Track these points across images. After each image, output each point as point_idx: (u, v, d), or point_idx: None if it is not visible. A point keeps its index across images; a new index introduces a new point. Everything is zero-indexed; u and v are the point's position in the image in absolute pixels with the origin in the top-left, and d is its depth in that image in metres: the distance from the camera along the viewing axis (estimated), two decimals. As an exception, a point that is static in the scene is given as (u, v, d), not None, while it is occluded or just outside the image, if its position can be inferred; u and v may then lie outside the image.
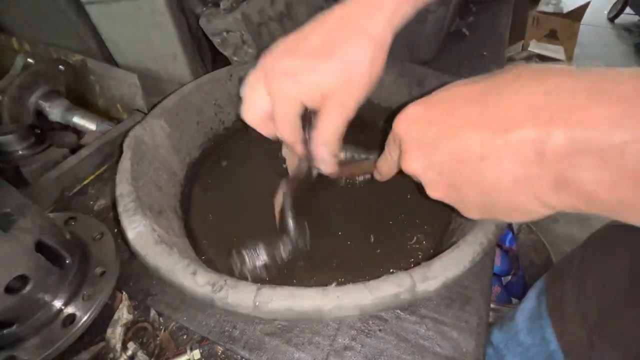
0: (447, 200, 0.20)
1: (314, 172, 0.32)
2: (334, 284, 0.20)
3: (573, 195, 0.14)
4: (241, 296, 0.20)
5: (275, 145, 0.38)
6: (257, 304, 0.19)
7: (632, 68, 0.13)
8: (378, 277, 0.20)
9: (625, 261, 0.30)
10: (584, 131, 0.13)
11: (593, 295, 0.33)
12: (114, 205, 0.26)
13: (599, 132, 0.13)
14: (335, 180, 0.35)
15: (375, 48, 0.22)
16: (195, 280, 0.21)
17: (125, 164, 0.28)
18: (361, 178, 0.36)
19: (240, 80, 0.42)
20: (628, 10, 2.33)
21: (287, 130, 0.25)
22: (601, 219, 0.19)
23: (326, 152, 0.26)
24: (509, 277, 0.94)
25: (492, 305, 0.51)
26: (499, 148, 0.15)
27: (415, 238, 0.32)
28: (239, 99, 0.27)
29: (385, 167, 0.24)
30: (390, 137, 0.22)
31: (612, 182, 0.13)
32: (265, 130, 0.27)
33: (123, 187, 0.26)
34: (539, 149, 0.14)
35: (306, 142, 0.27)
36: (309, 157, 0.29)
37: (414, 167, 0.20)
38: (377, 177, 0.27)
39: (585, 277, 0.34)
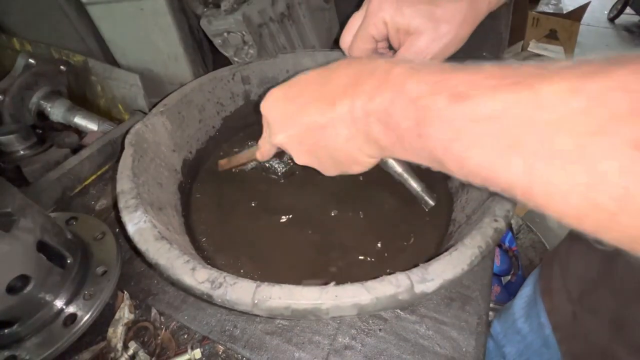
0: (311, 164, 0.25)
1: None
2: (332, 283, 0.21)
3: (374, 144, 0.20)
4: (240, 293, 0.20)
5: (281, 155, 0.39)
6: (255, 301, 0.20)
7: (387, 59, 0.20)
8: (376, 277, 0.20)
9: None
10: (365, 100, 0.19)
11: (576, 274, 0.36)
12: (115, 205, 0.26)
13: (373, 101, 0.18)
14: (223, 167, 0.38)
15: (469, 8, 0.26)
16: (195, 276, 0.21)
17: (126, 160, 0.28)
18: (251, 165, 0.39)
19: (243, 79, 0.42)
20: (628, 10, 2.33)
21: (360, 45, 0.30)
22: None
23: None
24: (509, 277, 0.94)
25: (491, 305, 0.51)
26: (331, 117, 0.20)
27: (413, 239, 0.32)
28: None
29: (263, 146, 0.28)
30: (263, 119, 0.26)
31: (382, 131, 0.19)
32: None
33: (124, 184, 0.27)
34: (352, 115, 0.20)
35: None
36: None
37: (279, 139, 0.24)
38: (258, 156, 0.30)
39: (569, 258, 0.37)
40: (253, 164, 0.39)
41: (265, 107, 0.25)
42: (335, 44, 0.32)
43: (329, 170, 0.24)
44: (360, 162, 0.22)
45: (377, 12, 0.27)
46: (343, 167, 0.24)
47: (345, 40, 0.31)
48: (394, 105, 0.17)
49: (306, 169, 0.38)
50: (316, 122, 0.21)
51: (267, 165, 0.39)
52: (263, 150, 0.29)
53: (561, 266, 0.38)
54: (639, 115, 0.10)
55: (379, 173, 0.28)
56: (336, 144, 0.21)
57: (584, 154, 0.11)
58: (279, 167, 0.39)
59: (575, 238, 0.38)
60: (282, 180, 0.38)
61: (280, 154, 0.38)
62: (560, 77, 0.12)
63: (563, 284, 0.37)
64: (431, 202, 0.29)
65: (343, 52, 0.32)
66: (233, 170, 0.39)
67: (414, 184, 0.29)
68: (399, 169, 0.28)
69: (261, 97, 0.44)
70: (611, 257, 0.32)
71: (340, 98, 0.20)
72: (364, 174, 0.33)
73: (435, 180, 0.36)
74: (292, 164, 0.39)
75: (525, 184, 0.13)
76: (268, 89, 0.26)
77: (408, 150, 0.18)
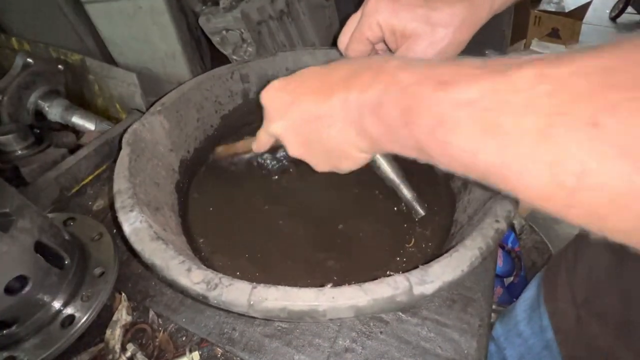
0: (303, 157, 0.24)
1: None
2: (329, 285, 0.20)
3: (366, 137, 0.20)
4: (236, 294, 0.20)
5: (275, 151, 0.39)
6: (251, 302, 0.19)
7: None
8: (375, 279, 0.20)
9: (609, 247, 0.33)
10: (359, 93, 0.19)
11: (582, 278, 0.36)
12: (112, 206, 0.26)
13: (366, 93, 0.19)
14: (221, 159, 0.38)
15: (468, 13, 0.25)
16: (190, 277, 0.21)
17: (123, 160, 0.28)
18: (247, 156, 0.39)
19: (242, 77, 0.41)
20: (630, 9, 2.32)
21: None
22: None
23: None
24: (511, 278, 0.94)
25: (494, 307, 0.51)
26: (326, 108, 0.21)
27: (413, 241, 0.32)
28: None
29: (261, 136, 0.28)
30: (263, 109, 0.26)
31: (373, 123, 0.19)
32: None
33: (121, 184, 0.26)
34: (345, 107, 0.20)
35: None
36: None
37: (275, 128, 0.24)
38: (254, 147, 0.30)
39: (577, 262, 0.37)
40: (249, 155, 0.39)
41: (264, 96, 0.25)
42: (335, 42, 0.32)
43: (321, 164, 0.24)
44: (351, 157, 0.22)
45: (372, 14, 0.27)
46: (334, 162, 0.23)
47: (342, 41, 0.31)
48: (385, 95, 0.18)
49: (299, 166, 0.38)
50: (312, 112, 0.21)
51: (260, 161, 0.39)
52: (260, 140, 0.29)
53: (568, 269, 0.38)
54: (596, 96, 0.11)
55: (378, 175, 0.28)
56: (329, 136, 0.21)
57: (549, 133, 0.12)
58: (272, 163, 0.39)
59: (583, 241, 0.38)
60: (275, 177, 0.38)
61: (274, 150, 0.38)
62: (530, 65, 0.13)
63: (569, 288, 0.36)
64: (421, 212, 0.29)
65: (340, 53, 0.32)
66: (229, 159, 0.39)
67: (406, 192, 0.29)
68: (391, 175, 0.28)
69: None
70: (620, 260, 0.31)
71: (336, 90, 0.20)
72: (364, 175, 0.33)
73: (438, 181, 0.36)
74: (284, 161, 0.39)
75: (498, 166, 0.14)
76: (269, 82, 0.26)
77: (396, 142, 0.19)
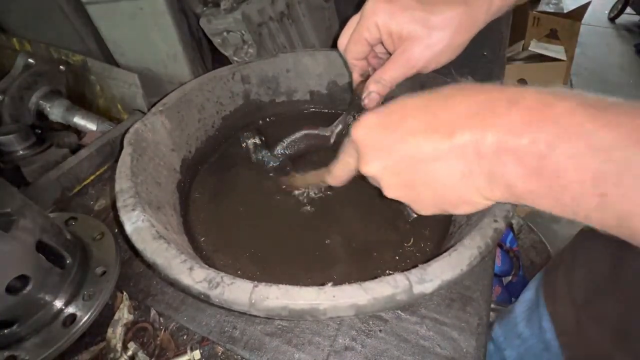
0: (403, 199, 0.22)
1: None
2: (330, 284, 0.20)
3: (501, 187, 0.17)
4: (237, 293, 0.20)
5: (273, 146, 0.39)
6: (253, 301, 0.19)
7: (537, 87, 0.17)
8: (375, 278, 0.20)
9: (609, 249, 0.33)
10: (504, 134, 0.16)
11: (581, 280, 0.35)
12: (114, 205, 0.26)
13: (518, 138, 0.16)
14: (291, 190, 0.37)
15: (465, 17, 0.25)
16: (192, 276, 0.21)
17: (125, 159, 0.28)
18: (315, 191, 0.37)
19: (243, 78, 0.42)
20: (629, 10, 2.33)
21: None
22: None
23: (376, 88, 0.29)
24: (510, 278, 0.94)
25: (492, 306, 0.51)
26: (447, 150, 0.18)
27: (412, 240, 0.32)
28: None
29: (340, 171, 0.26)
30: (348, 144, 0.24)
31: (524, 175, 0.16)
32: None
33: (122, 183, 0.27)
34: (476, 149, 0.17)
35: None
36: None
37: (372, 169, 0.22)
38: (331, 181, 0.28)
39: (575, 264, 0.37)
40: (321, 186, 0.37)
41: (359, 134, 0.22)
42: (335, 44, 0.32)
43: (427, 208, 0.22)
44: (472, 203, 0.19)
45: (370, 16, 0.27)
46: (446, 207, 0.21)
47: (342, 42, 0.31)
48: (557, 149, 0.14)
49: (298, 165, 0.38)
50: (424, 153, 0.19)
51: (258, 159, 0.39)
52: (338, 176, 0.27)
53: (566, 271, 0.38)
54: None
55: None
56: (446, 181, 0.19)
57: None
58: (271, 162, 0.39)
59: (581, 244, 0.38)
60: (272, 174, 0.38)
61: (271, 147, 0.38)
62: None
63: (567, 290, 0.36)
64: (414, 214, 0.29)
65: (340, 54, 0.32)
66: (295, 191, 0.37)
67: None
68: None
69: (261, 96, 0.44)
70: (619, 263, 0.31)
71: (461, 128, 0.17)
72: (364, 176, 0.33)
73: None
74: (282, 158, 0.38)
75: None
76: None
77: (558, 205, 0.15)
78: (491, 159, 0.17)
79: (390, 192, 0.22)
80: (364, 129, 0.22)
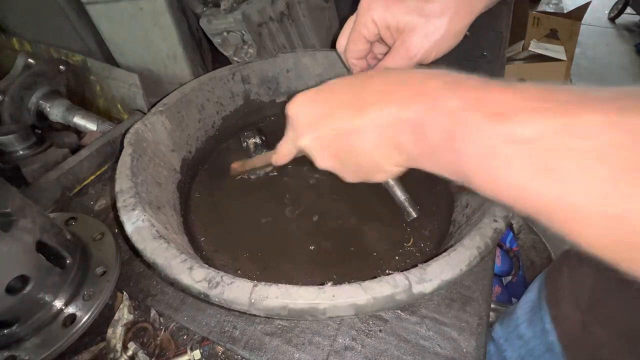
0: (332, 169, 0.24)
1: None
2: (329, 283, 0.20)
3: (403, 153, 0.20)
4: (237, 293, 0.20)
5: (273, 146, 0.39)
6: (252, 300, 0.20)
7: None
8: (375, 278, 0.20)
9: None
10: (399, 107, 0.19)
11: (586, 282, 0.35)
12: (114, 205, 0.26)
13: (406, 110, 0.19)
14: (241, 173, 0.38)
15: (461, 6, 0.25)
16: (192, 275, 0.21)
17: (125, 159, 0.28)
18: (261, 173, 0.38)
19: (243, 78, 0.42)
20: (629, 10, 2.33)
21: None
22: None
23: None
24: (510, 278, 0.94)
25: (492, 306, 0.51)
26: (360, 122, 0.20)
27: (412, 240, 0.32)
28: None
29: (284, 148, 0.28)
30: (288, 121, 0.25)
31: (413, 140, 0.19)
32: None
33: (122, 183, 0.27)
34: (382, 122, 0.20)
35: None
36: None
37: (304, 141, 0.24)
38: (276, 160, 0.29)
39: (579, 266, 0.37)
40: (268, 169, 0.38)
41: (291, 108, 0.24)
42: (335, 44, 0.32)
43: (351, 176, 0.24)
44: (384, 170, 0.22)
45: (366, 12, 0.27)
46: (366, 175, 0.23)
47: (340, 43, 0.31)
48: (427, 116, 0.17)
49: (297, 164, 0.38)
50: (344, 126, 0.21)
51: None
52: (282, 153, 0.28)
53: (570, 273, 0.37)
54: None
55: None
56: (362, 150, 0.21)
57: (619, 188, 0.12)
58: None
59: None
60: (276, 177, 0.38)
61: (271, 147, 0.38)
62: (599, 108, 0.13)
63: (572, 292, 0.36)
64: (414, 214, 0.29)
65: (339, 55, 0.32)
66: (246, 176, 0.38)
67: (399, 194, 0.29)
68: None
69: (261, 96, 0.44)
70: None
71: (371, 104, 0.20)
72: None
73: (437, 181, 0.36)
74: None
75: (552, 208, 0.14)
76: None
77: (435, 163, 0.18)
78: (392, 129, 0.19)
79: (321, 163, 0.24)
80: (295, 105, 0.24)
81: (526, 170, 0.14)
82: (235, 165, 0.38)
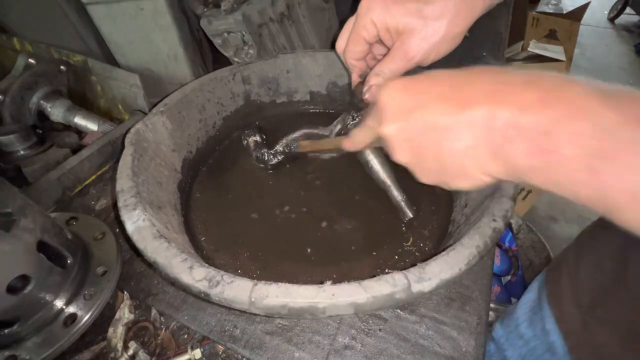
0: (409, 165, 0.23)
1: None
2: (329, 282, 0.21)
3: (502, 162, 0.18)
4: (237, 292, 0.20)
5: (273, 146, 0.39)
6: (252, 299, 0.20)
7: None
8: (374, 277, 0.20)
9: (613, 252, 0.33)
10: (517, 111, 0.17)
11: (586, 282, 0.35)
12: (115, 205, 0.26)
13: (529, 115, 0.16)
14: (306, 155, 0.38)
15: (461, 5, 0.25)
16: (192, 275, 0.21)
17: (126, 159, 0.28)
18: (327, 156, 0.38)
19: (243, 79, 0.42)
20: (628, 10, 2.33)
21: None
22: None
23: (376, 81, 0.29)
24: (509, 277, 0.94)
25: (491, 305, 0.51)
26: (460, 121, 0.18)
27: (411, 240, 0.32)
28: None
29: (362, 135, 0.26)
30: (373, 108, 0.24)
31: (526, 149, 0.16)
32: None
33: (123, 183, 0.27)
34: (487, 123, 0.18)
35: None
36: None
37: (388, 129, 0.22)
38: (348, 145, 0.28)
39: (579, 266, 0.37)
40: (335, 153, 0.37)
41: (384, 94, 0.22)
42: (334, 45, 0.32)
43: (428, 176, 0.22)
44: (471, 177, 0.20)
45: (365, 14, 0.27)
46: (446, 178, 0.21)
47: (340, 44, 0.31)
48: (560, 125, 0.15)
49: (296, 164, 0.39)
50: (438, 121, 0.19)
51: (258, 156, 0.39)
52: (356, 139, 0.27)
53: (570, 272, 0.37)
54: None
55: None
56: (451, 151, 0.19)
57: None
58: (271, 159, 0.39)
59: (585, 246, 0.37)
60: (270, 171, 0.38)
61: (271, 145, 0.39)
62: None
63: (572, 292, 0.36)
64: (410, 214, 0.29)
65: (338, 56, 0.32)
66: (313, 154, 0.38)
67: (396, 194, 0.29)
68: (382, 176, 0.28)
69: (262, 96, 0.44)
70: (624, 264, 0.31)
71: (477, 102, 0.18)
72: (364, 175, 0.33)
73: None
74: (281, 156, 0.39)
75: None
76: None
77: (552, 181, 0.16)
78: (499, 134, 0.17)
79: (399, 156, 0.22)
80: (388, 91, 0.22)
81: None
82: (304, 143, 0.37)
